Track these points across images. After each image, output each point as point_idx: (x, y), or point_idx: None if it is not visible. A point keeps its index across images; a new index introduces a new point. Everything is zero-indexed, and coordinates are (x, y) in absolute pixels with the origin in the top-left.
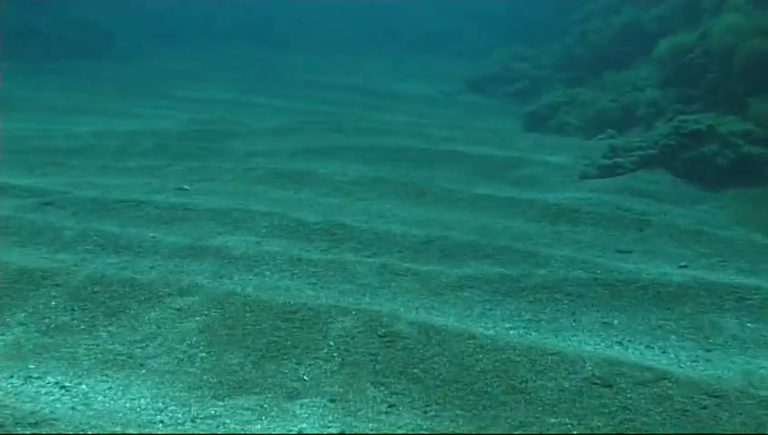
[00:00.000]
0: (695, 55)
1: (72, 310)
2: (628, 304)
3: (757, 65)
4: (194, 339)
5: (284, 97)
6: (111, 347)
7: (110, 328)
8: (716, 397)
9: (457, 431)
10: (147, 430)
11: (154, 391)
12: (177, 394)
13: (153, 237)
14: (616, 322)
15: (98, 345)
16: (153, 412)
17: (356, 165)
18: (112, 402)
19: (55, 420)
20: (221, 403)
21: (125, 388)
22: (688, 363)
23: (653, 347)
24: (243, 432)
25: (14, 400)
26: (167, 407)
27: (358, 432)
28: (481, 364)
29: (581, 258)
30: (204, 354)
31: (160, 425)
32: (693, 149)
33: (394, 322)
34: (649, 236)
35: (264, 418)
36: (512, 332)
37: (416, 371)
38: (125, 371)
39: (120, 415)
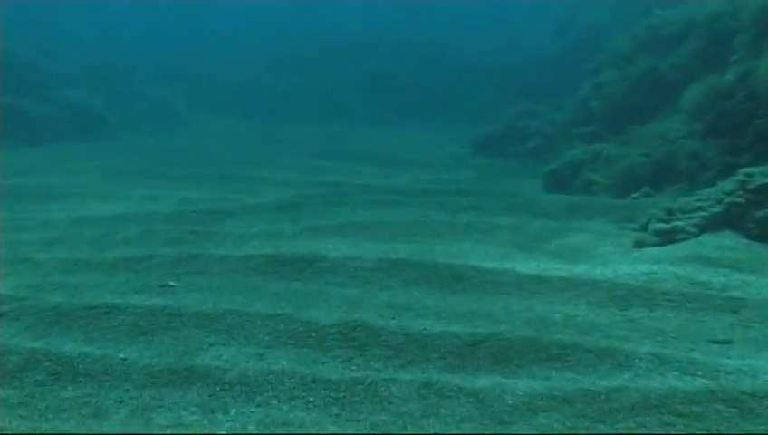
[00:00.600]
0: (737, 101)
1: None
2: None
3: None
4: None
5: (283, 169)
6: None
7: None
8: None
9: None
10: None
11: None
12: None
13: (124, 360)
14: None
15: None
16: None
17: (369, 244)
18: None
19: None
20: None
21: None
22: None
23: None
24: None
25: None
26: None
27: None
28: None
29: (672, 355)
30: None
31: None
32: (765, 207)
33: None
34: (748, 318)
35: None
36: None
37: None
38: None
39: None
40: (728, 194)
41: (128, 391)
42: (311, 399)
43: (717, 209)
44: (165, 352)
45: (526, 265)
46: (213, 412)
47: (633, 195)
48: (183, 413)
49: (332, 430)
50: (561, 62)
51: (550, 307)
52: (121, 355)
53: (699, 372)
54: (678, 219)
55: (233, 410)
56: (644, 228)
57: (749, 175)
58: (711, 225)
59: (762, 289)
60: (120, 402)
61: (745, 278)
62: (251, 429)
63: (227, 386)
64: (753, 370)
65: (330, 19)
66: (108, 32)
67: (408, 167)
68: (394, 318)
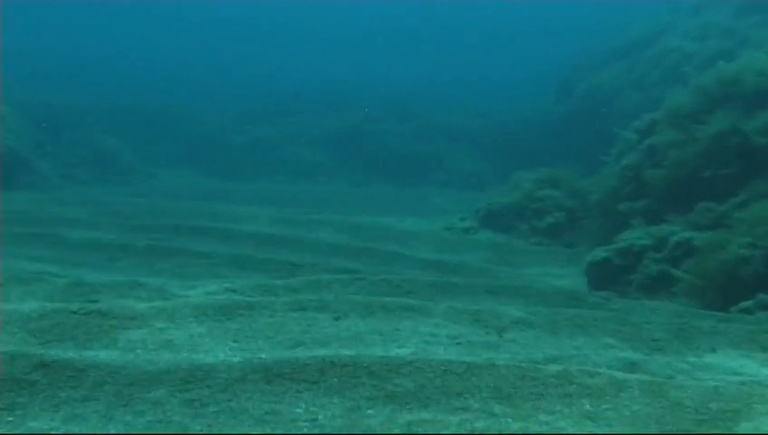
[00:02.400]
0: None
1: None
2: None
3: None
4: None
5: (234, 240)
6: None
7: None
8: None
9: None
10: None
11: None
12: None
13: None
14: None
15: None
16: None
17: (371, 408)
18: None
19: None
20: None
21: None
22: None
23: None
24: None
25: None
26: None
27: None
28: None
29: None
30: None
31: None
32: None
33: None
34: None
35: None
36: None
37: None
38: None
39: None
40: None
41: None
42: None
43: None
44: None
45: None
46: None
47: (742, 304)
48: None
49: None
50: (567, 125)
51: None
52: None
53: None
54: None
55: None
56: None
57: None
58: None
59: None
60: None
61: None
62: None
63: None
64: None
65: (310, 70)
66: (71, 69)
67: (402, 242)
68: None
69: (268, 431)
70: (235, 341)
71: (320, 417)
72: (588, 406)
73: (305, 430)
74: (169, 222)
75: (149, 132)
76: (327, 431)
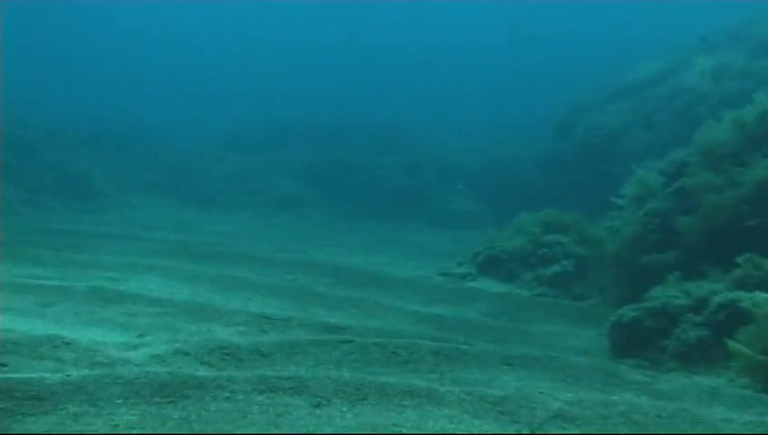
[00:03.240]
0: None
1: None
2: None
3: None
4: None
5: (199, 281)
6: None
7: None
8: None
9: None
10: None
11: None
12: None
13: None
14: None
15: None
16: None
17: None
18: None
19: None
20: None
21: None
22: None
23: None
24: None
25: None
26: None
27: None
28: None
29: None
30: None
31: None
32: None
33: None
34: None
35: None
36: None
37: None
38: None
39: None
40: None
41: None
42: None
43: None
44: None
45: None
46: None
47: None
48: None
49: None
50: (566, 164)
51: None
52: None
53: None
54: None
55: None
56: None
57: None
58: None
59: None
60: None
61: None
62: None
63: None
64: None
65: (299, 98)
66: (50, 87)
67: (392, 290)
68: None
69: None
70: None
71: None
72: None
73: None
74: (126, 259)
75: (125, 158)
76: None
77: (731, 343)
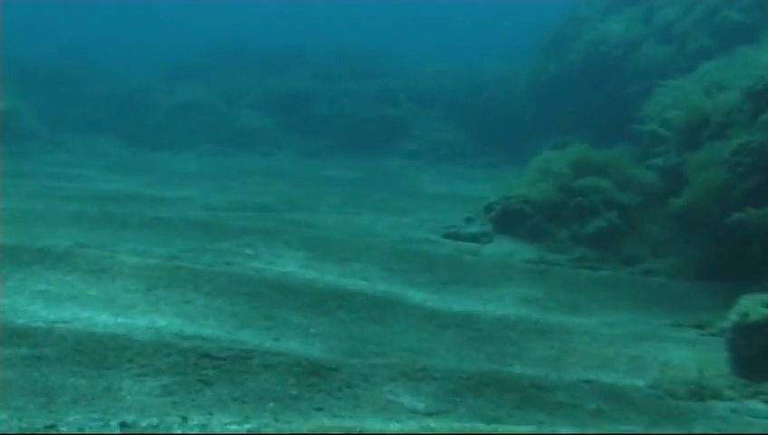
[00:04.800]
0: None
1: None
2: None
3: None
4: None
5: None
6: None
7: None
8: None
9: None
10: None
11: None
12: None
13: None
14: None
15: None
16: None
17: None
18: None
19: None
20: None
21: None
22: None
23: None
24: None
25: None
26: None
27: None
28: None
29: None
30: None
31: None
32: None
33: None
34: None
35: None
36: None
37: None
38: None
39: None
40: None
41: None
42: None
43: None
44: None
45: None
46: None
47: None
48: None
49: None
50: (563, 87)
51: None
52: None
53: None
54: None
55: None
56: None
57: None
58: None
59: None
60: None
61: None
62: None
63: None
64: None
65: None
66: None
67: (389, 269)
68: None
69: None
70: None
71: None
72: None
73: None
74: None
75: (60, 93)
76: None
77: None
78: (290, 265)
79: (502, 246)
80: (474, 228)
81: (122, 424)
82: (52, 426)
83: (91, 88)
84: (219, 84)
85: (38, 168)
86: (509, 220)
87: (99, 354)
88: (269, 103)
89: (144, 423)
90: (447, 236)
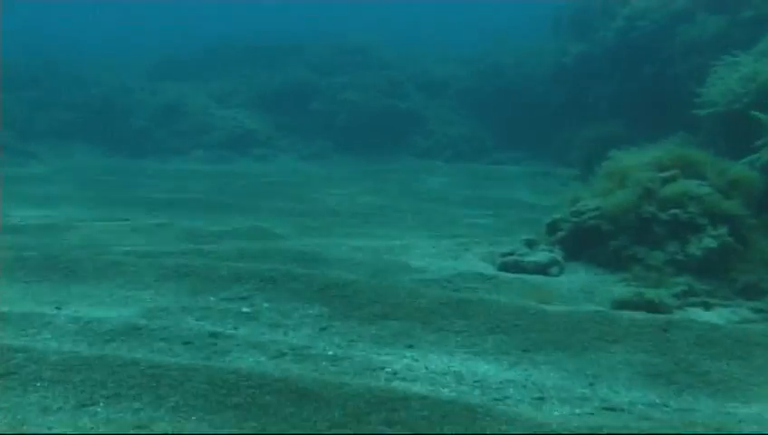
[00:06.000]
0: None
1: None
2: None
3: None
4: None
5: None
6: None
7: None
8: None
9: None
10: None
11: None
12: None
13: None
14: None
15: None
16: None
17: None
18: None
19: None
20: None
21: None
22: None
23: None
24: None
25: None
26: None
27: None
28: None
29: None
30: None
31: None
32: None
33: None
34: None
35: None
36: None
37: None
38: None
39: None
40: None
41: None
42: None
43: None
44: None
45: None
46: None
47: None
48: None
49: None
50: (591, 69)
51: None
52: None
53: None
54: None
55: None
56: None
57: None
58: None
59: None
60: None
61: None
62: None
63: None
64: None
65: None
66: None
67: (423, 323)
68: None
69: None
70: None
71: None
72: None
73: None
74: None
75: (30, 97)
76: None
77: None
78: (302, 333)
79: (579, 279)
80: (538, 256)
81: None
82: None
83: (66, 92)
84: (205, 82)
85: None
86: (583, 242)
87: None
88: (263, 101)
89: None
90: (505, 266)
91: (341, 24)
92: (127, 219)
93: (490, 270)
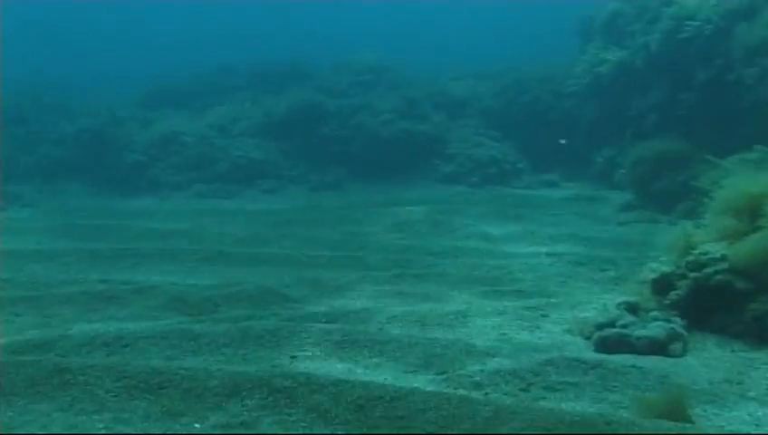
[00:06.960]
0: None
1: None
2: None
3: None
4: None
5: None
6: None
7: None
8: None
9: None
10: None
11: None
12: None
13: None
14: None
15: None
16: None
17: None
18: None
19: None
20: None
21: None
22: None
23: None
24: None
25: None
26: None
27: None
28: None
29: None
30: None
31: None
32: None
33: None
34: None
35: None
36: None
37: None
38: None
39: None
40: None
41: None
42: None
43: None
44: None
45: None
46: None
47: None
48: None
49: None
50: (631, 80)
51: None
52: None
53: None
54: None
55: None
56: None
57: None
58: None
59: None
60: None
61: None
62: None
63: None
64: None
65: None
66: None
67: None
68: None
69: None
70: None
71: None
72: None
73: None
74: None
75: (13, 133)
76: None
77: None
78: None
79: (715, 361)
80: (652, 329)
81: None
82: None
83: (52, 126)
84: (203, 110)
85: None
86: (709, 306)
87: None
88: (270, 128)
89: None
90: (605, 344)
91: (346, 40)
92: (104, 280)
93: (586, 351)
